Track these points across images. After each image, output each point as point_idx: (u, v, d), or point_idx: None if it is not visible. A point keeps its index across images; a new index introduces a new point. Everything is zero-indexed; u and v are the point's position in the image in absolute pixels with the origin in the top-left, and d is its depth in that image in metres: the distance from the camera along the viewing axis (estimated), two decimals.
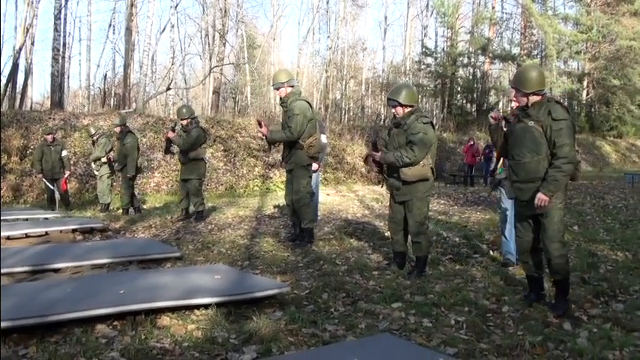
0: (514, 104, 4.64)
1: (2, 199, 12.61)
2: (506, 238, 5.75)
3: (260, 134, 6.92)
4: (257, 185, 16.05)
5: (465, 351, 3.45)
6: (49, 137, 11.28)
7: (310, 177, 6.72)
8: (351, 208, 10.43)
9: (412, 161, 5.06)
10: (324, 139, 7.65)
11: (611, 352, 3.40)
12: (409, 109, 5.21)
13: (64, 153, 11.50)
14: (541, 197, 4.07)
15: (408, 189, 5.21)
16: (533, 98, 4.18)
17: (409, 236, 5.45)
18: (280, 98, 6.66)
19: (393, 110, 5.33)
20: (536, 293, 4.43)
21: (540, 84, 4.20)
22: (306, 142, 6.46)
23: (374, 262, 5.84)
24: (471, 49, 29.95)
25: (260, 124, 6.69)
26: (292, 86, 6.53)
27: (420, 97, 35.47)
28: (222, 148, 16.50)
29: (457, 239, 6.98)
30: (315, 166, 7.41)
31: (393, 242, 5.59)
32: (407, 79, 33.03)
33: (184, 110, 8.90)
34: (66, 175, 11.54)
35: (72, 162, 13.53)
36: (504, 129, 4.58)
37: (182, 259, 6.11)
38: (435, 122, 30.18)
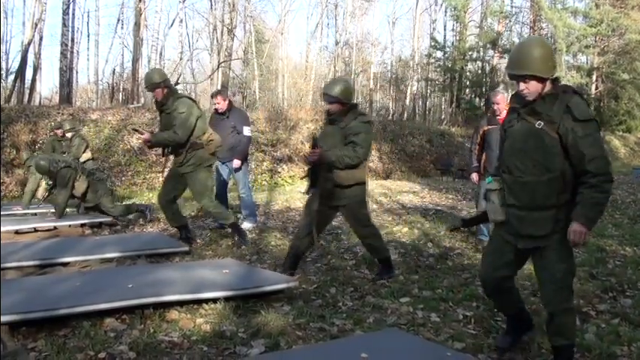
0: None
1: (11, 194, 12.68)
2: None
3: (142, 141, 6.33)
4: (265, 180, 16.03)
5: (473, 346, 3.45)
6: (59, 132, 11.32)
7: (211, 176, 6.37)
8: None
9: (355, 163, 4.65)
10: (247, 131, 7.32)
11: (619, 348, 3.40)
12: (345, 106, 4.75)
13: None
14: (577, 229, 2.79)
15: (343, 193, 4.75)
16: (538, 85, 2.90)
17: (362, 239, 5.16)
18: (157, 101, 6.07)
19: (329, 106, 4.82)
20: None
21: (551, 67, 2.93)
22: (204, 139, 6.00)
23: None
24: (480, 43, 29.76)
25: (137, 131, 6.43)
26: (168, 86, 6.00)
27: (428, 91, 35.39)
28: None
29: (465, 234, 6.96)
30: (236, 162, 7.18)
31: (293, 246, 5.11)
32: (416, 73, 32.92)
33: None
34: None
35: None
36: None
37: (190, 253, 6.13)
38: (443, 117, 30.35)
